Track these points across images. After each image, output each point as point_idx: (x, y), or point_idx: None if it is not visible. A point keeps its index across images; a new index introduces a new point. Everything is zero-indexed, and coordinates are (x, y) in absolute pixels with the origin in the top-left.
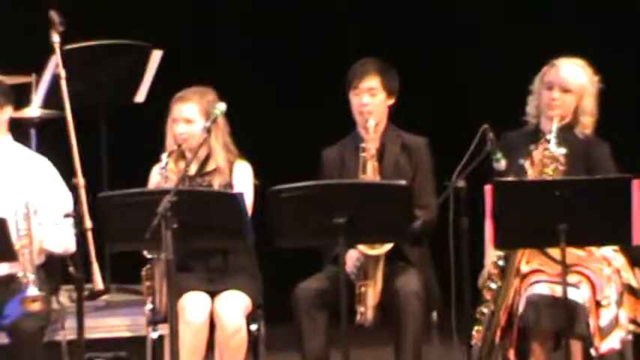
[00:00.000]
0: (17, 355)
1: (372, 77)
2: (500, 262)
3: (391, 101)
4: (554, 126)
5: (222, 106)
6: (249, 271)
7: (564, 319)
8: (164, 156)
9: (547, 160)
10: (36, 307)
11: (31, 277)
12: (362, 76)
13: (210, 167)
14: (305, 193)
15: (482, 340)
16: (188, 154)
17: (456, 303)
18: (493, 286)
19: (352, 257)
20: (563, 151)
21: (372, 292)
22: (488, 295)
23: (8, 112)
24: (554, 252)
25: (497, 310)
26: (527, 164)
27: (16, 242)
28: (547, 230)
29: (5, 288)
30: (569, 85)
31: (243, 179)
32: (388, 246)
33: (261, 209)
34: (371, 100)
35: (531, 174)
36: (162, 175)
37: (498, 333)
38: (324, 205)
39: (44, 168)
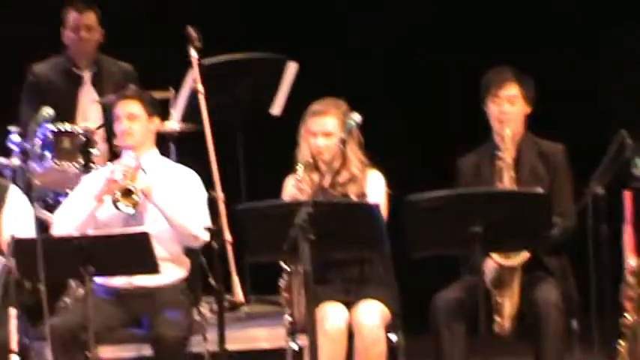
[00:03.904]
0: None
1: (511, 85)
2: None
3: (529, 109)
4: None
5: (357, 117)
6: (385, 281)
7: None
8: (300, 168)
9: None
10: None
11: None
12: (501, 84)
13: (343, 177)
14: (441, 202)
15: (629, 354)
16: (322, 165)
17: (596, 312)
18: (632, 294)
19: (490, 266)
20: None
21: (509, 302)
22: (628, 306)
23: (156, 123)
24: None
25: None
26: None
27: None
28: None
29: (146, 300)
30: None
31: (376, 189)
32: (524, 256)
33: (394, 218)
34: (510, 108)
35: None
36: (297, 187)
37: None
38: (460, 214)
39: (191, 180)
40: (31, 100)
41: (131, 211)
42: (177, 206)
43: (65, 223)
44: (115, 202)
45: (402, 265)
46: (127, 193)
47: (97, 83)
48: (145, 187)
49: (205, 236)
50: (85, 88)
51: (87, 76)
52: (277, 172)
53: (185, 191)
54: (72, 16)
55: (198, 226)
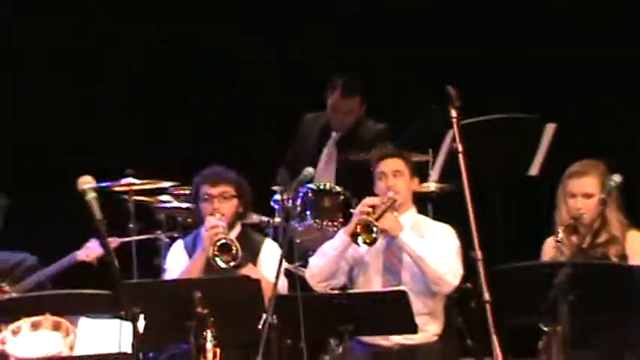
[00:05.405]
0: None
1: None
2: None
3: None
4: None
5: (617, 178)
6: None
7: None
8: (560, 229)
9: None
10: None
11: None
12: None
13: (602, 238)
14: None
15: None
16: (581, 227)
17: None
18: None
19: None
20: None
21: None
22: None
23: (416, 183)
24: None
25: None
26: None
27: None
28: None
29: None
30: None
31: (638, 250)
32: None
33: None
34: None
35: None
36: (557, 248)
37: None
38: None
39: (444, 230)
40: (294, 146)
41: (365, 247)
42: (425, 249)
43: (319, 259)
44: (353, 235)
45: None
46: (367, 229)
47: (341, 145)
48: (391, 227)
49: (454, 281)
50: (328, 147)
51: (335, 137)
52: (535, 232)
53: (436, 239)
54: (336, 97)
55: (446, 269)
